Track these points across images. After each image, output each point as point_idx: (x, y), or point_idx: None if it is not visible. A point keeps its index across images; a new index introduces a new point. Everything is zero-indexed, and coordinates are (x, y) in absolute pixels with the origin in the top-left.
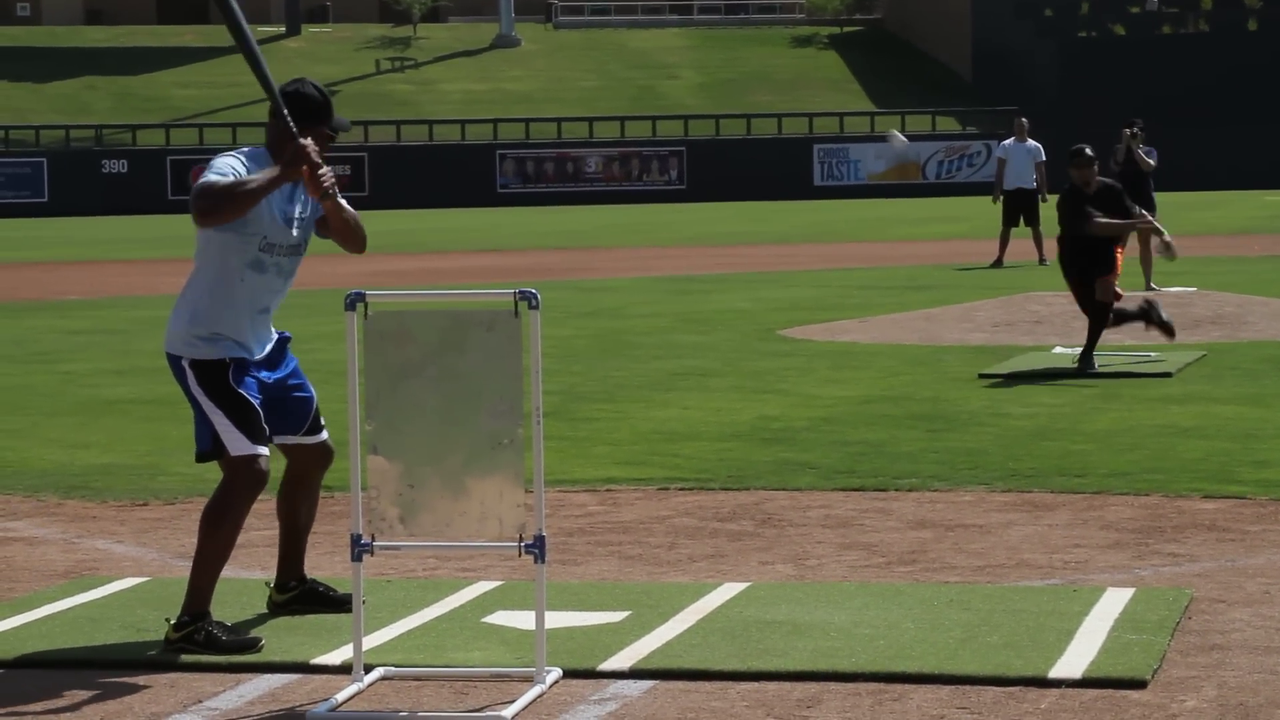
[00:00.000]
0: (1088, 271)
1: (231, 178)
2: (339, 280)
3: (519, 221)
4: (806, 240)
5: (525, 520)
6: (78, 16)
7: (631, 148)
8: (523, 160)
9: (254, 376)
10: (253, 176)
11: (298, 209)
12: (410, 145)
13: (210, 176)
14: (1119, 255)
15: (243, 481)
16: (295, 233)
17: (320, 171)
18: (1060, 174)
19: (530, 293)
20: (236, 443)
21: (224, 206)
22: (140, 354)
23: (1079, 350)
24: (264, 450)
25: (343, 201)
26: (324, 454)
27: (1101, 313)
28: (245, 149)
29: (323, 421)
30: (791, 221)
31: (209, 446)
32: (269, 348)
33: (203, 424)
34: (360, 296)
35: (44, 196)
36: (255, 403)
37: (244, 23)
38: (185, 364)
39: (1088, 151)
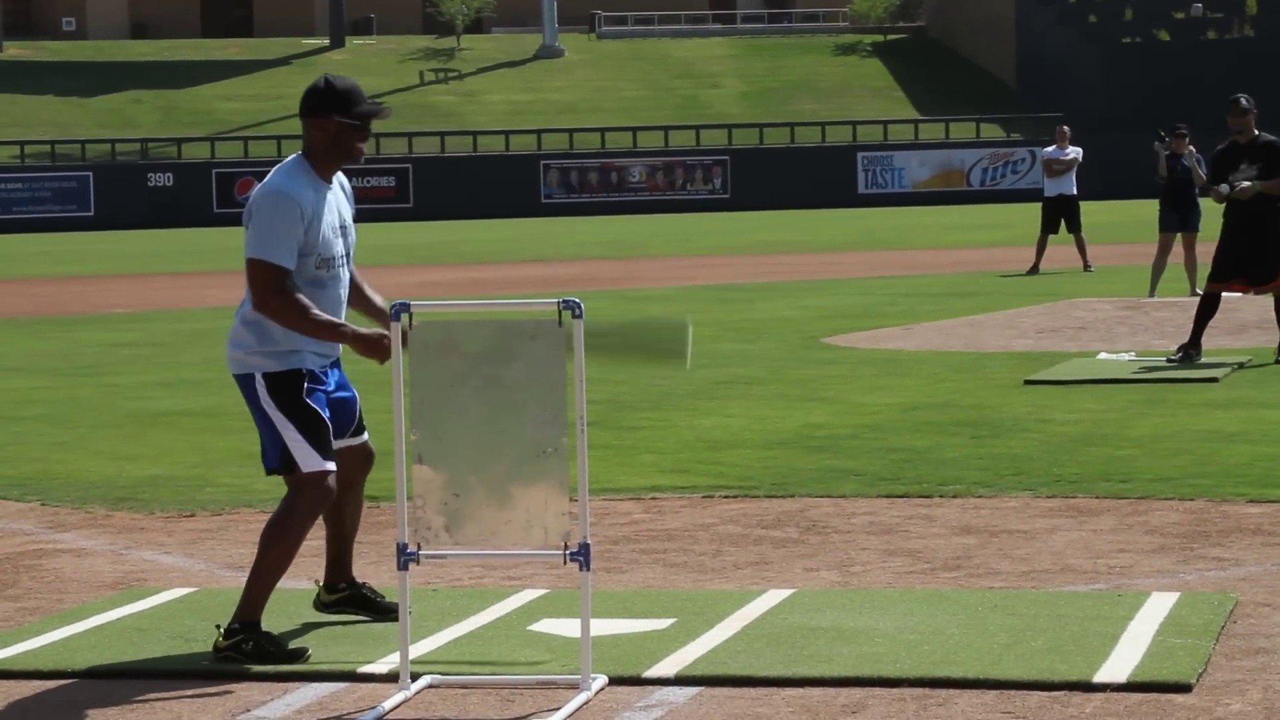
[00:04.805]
0: (1249, 267)
1: (293, 263)
2: (383, 291)
3: (563, 231)
4: (850, 248)
5: (570, 529)
6: (123, 31)
7: (675, 157)
8: (567, 170)
9: (323, 390)
10: (323, 322)
11: (341, 217)
12: (454, 156)
13: (274, 258)
14: None
15: (310, 498)
16: (344, 242)
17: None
18: (1093, 180)
19: (574, 302)
20: (308, 458)
21: (284, 320)
22: (187, 366)
23: (1123, 355)
24: (333, 466)
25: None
26: (367, 456)
27: None
28: (289, 168)
29: (364, 423)
30: (835, 229)
31: (277, 463)
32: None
33: (272, 439)
34: (405, 307)
35: (90, 210)
36: (325, 416)
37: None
38: (258, 377)
39: (1242, 100)
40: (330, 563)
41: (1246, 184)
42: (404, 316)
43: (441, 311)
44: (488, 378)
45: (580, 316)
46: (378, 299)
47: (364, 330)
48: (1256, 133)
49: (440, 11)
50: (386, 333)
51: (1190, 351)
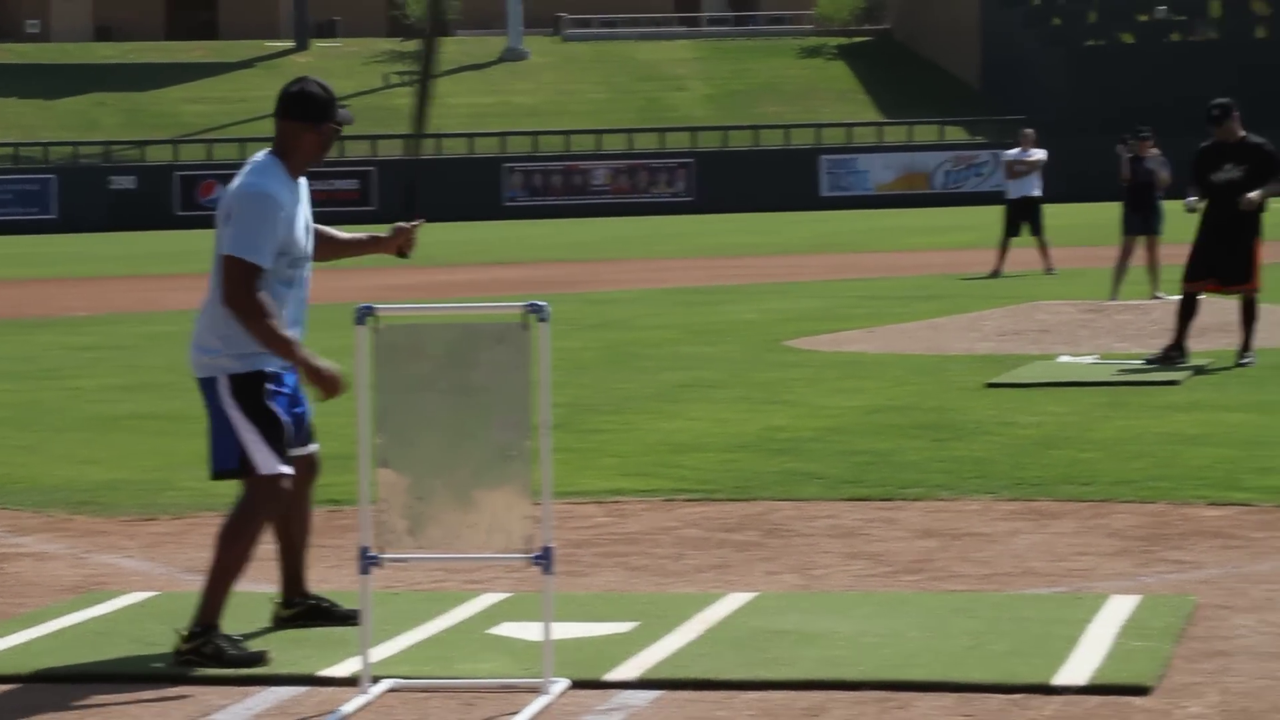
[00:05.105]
0: (1220, 270)
1: (270, 264)
2: (345, 294)
3: (526, 234)
4: (814, 251)
5: (533, 532)
6: (87, 33)
7: (639, 160)
8: (530, 173)
9: (284, 392)
10: (284, 337)
11: (309, 212)
12: (417, 159)
13: (256, 259)
14: (1258, 255)
15: (266, 500)
16: (310, 238)
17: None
18: (1056, 182)
19: (539, 305)
20: (266, 461)
21: (248, 324)
22: (148, 369)
23: (1085, 358)
24: (290, 470)
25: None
26: (312, 466)
27: (1253, 309)
28: (263, 168)
29: (313, 433)
30: (799, 232)
31: (234, 464)
32: None
33: (228, 440)
34: (370, 310)
35: (52, 213)
36: (285, 420)
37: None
38: (221, 379)
39: (1214, 110)
40: (284, 577)
41: (1253, 195)
42: (369, 320)
43: (407, 315)
44: (453, 381)
45: (546, 320)
46: (347, 234)
47: (320, 362)
48: (1243, 133)
49: (405, 14)
50: (338, 372)
51: (1173, 353)
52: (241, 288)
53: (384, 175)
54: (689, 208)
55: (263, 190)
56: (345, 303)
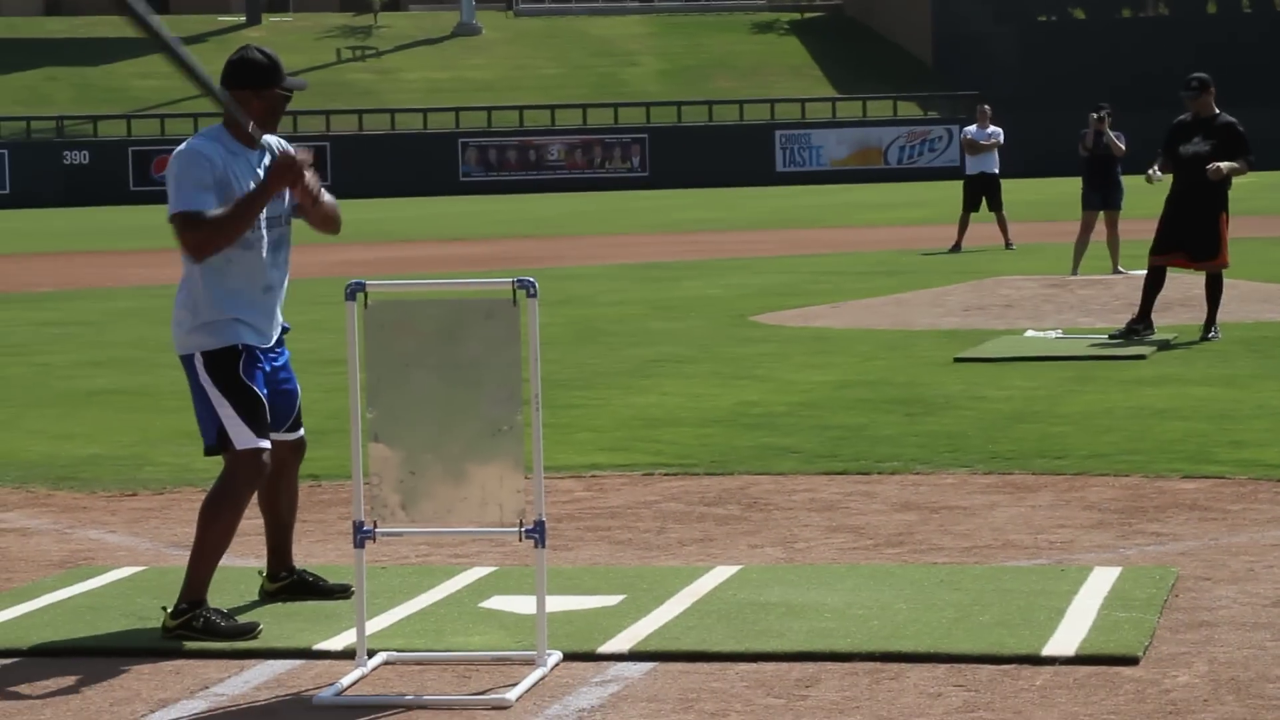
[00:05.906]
0: (1189, 244)
1: (212, 208)
2: (306, 270)
3: (483, 210)
4: (772, 226)
5: (525, 506)
6: (37, 7)
7: (594, 135)
8: (485, 149)
9: (261, 368)
10: (238, 202)
11: None
12: (372, 134)
13: (186, 206)
14: (1224, 230)
15: (245, 475)
16: (276, 203)
17: (307, 180)
18: (1012, 158)
19: (529, 281)
20: (242, 436)
21: (218, 242)
22: (116, 345)
23: (1050, 333)
24: (267, 444)
25: (325, 195)
26: (299, 447)
27: (1218, 284)
28: (204, 133)
29: (301, 418)
30: (756, 208)
31: (214, 440)
32: (278, 333)
33: (208, 416)
34: (360, 286)
35: (5, 188)
36: (262, 395)
37: (153, 20)
38: (197, 356)
39: (1193, 83)
40: (270, 553)
41: (1221, 164)
42: (359, 296)
43: (396, 291)
44: (443, 357)
45: (535, 296)
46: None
47: (270, 176)
48: (1216, 111)
49: None
50: (289, 158)
51: (1137, 326)
52: (191, 238)
53: (337, 150)
54: (643, 183)
55: (187, 147)
56: (315, 278)
